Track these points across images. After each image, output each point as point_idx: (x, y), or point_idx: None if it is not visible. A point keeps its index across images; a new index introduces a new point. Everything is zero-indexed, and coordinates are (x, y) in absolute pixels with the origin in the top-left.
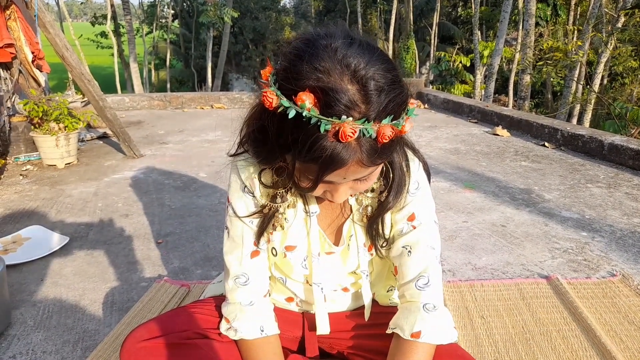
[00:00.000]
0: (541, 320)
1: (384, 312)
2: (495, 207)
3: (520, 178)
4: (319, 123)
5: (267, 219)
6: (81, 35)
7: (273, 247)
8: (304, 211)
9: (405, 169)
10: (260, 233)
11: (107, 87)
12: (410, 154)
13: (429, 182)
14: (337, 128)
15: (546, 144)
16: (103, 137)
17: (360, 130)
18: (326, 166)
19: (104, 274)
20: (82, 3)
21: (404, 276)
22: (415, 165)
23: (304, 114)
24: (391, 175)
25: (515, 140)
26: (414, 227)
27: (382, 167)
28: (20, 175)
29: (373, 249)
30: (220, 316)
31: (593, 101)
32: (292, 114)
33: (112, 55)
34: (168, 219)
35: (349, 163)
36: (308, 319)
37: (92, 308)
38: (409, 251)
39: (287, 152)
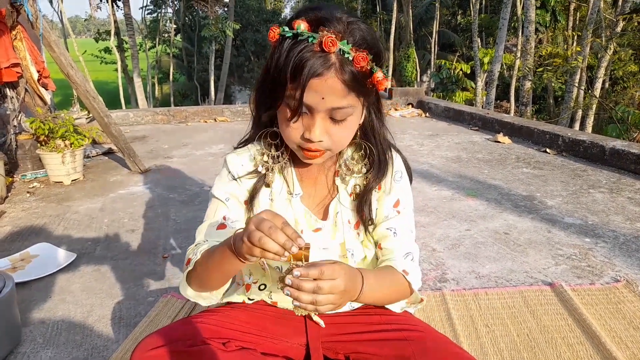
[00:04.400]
0: (546, 327)
1: (389, 314)
2: (498, 215)
3: (522, 185)
4: (308, 38)
5: (259, 180)
6: (85, 51)
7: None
8: (287, 192)
9: (386, 151)
10: (252, 196)
11: (112, 101)
12: (393, 149)
13: (410, 181)
14: (321, 39)
15: (548, 150)
16: (108, 152)
17: (339, 47)
18: (309, 71)
19: (111, 290)
20: (85, 20)
21: (392, 251)
22: (398, 158)
23: (297, 31)
24: (375, 153)
25: (517, 147)
26: (399, 212)
27: (365, 147)
28: (28, 192)
29: (360, 227)
30: (223, 324)
31: (595, 106)
32: (288, 33)
33: (116, 70)
34: (174, 234)
35: (330, 71)
36: (310, 324)
37: (100, 324)
38: (395, 233)
39: (280, 84)
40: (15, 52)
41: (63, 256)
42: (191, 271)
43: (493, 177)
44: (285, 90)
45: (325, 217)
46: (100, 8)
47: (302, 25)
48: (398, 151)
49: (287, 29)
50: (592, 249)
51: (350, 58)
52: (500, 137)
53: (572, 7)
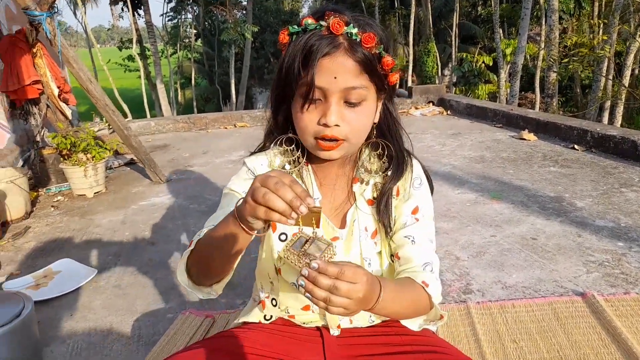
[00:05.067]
0: (577, 342)
1: (410, 334)
2: (525, 219)
3: (549, 185)
4: (316, 27)
5: None
6: (109, 60)
7: (282, 232)
8: None
9: (404, 151)
10: None
11: (136, 108)
12: (412, 156)
13: (432, 191)
14: (328, 23)
15: (575, 146)
16: (130, 163)
17: (346, 30)
18: (318, 51)
19: (131, 307)
20: (109, 29)
21: (410, 261)
22: (417, 163)
23: (305, 26)
24: (393, 150)
25: (543, 144)
26: (417, 220)
27: (382, 145)
28: (52, 206)
29: (377, 236)
30: (239, 349)
31: (624, 95)
32: (296, 29)
33: (139, 77)
34: None
35: (339, 50)
36: (327, 339)
37: (120, 343)
38: (413, 240)
39: (292, 76)
40: (36, 69)
41: (84, 272)
42: (192, 253)
43: (519, 177)
44: (299, 80)
45: (342, 225)
46: (122, 17)
47: (309, 20)
48: (417, 159)
49: (295, 26)
50: (625, 255)
51: (358, 39)
52: (526, 134)
53: None
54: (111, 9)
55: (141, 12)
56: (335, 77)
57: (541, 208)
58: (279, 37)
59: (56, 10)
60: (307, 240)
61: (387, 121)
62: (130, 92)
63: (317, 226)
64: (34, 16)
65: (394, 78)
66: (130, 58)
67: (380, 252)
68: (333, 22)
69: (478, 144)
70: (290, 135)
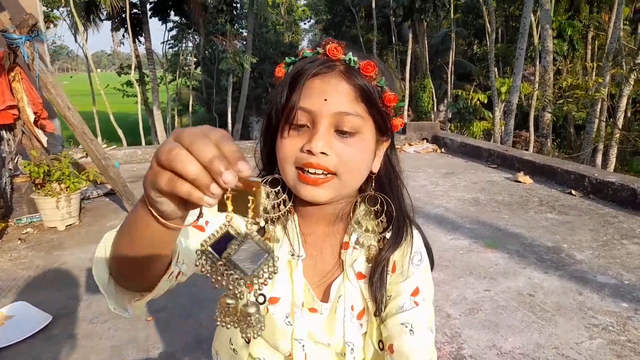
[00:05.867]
0: None
1: None
2: (521, 271)
3: (547, 233)
4: (313, 55)
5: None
6: (107, 85)
7: (261, 294)
8: (289, 252)
9: (405, 214)
10: None
11: (132, 133)
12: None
13: (432, 266)
14: (325, 48)
15: (573, 191)
16: (110, 193)
17: (345, 57)
18: (309, 72)
19: None
20: (109, 55)
21: (407, 358)
22: (418, 236)
23: (303, 54)
24: (392, 209)
25: (539, 187)
26: (416, 304)
27: (381, 201)
28: (19, 239)
29: (363, 317)
30: None
31: (617, 137)
32: (293, 60)
33: (137, 103)
34: None
35: (334, 72)
36: None
37: None
38: (411, 330)
39: (279, 103)
40: (14, 93)
41: (38, 318)
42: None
43: (514, 223)
44: (285, 106)
45: (325, 298)
46: (123, 43)
47: (306, 51)
48: (418, 227)
49: (292, 57)
50: (631, 318)
51: (357, 67)
52: (521, 176)
53: (590, 35)
54: (112, 35)
55: (142, 38)
56: (325, 100)
57: (538, 259)
58: (275, 71)
59: (36, 34)
60: (235, 238)
61: (389, 174)
62: (129, 117)
63: (256, 215)
64: (12, 39)
65: (398, 122)
66: (129, 83)
67: (365, 334)
68: (331, 47)
69: (472, 184)
70: (277, 176)
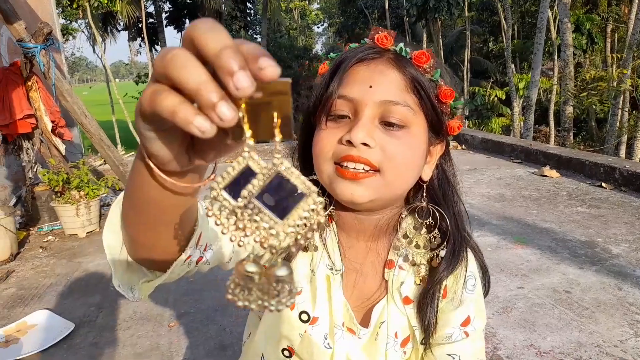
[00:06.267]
0: None
1: None
2: (555, 267)
3: (579, 228)
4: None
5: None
6: (126, 94)
7: (303, 311)
8: (327, 266)
9: (462, 233)
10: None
11: None
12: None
13: (487, 291)
14: (374, 37)
15: (603, 184)
16: None
17: (394, 47)
18: (353, 58)
19: None
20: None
21: None
22: (472, 257)
23: (350, 47)
24: (447, 226)
25: (567, 181)
26: (467, 335)
27: (433, 213)
28: (41, 247)
29: (408, 344)
30: None
31: None
32: (337, 55)
33: None
34: (184, 295)
35: (382, 58)
36: None
37: None
38: None
39: (320, 96)
40: (31, 102)
41: (61, 327)
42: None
43: (544, 218)
44: (323, 97)
45: (365, 322)
46: (140, 52)
47: (352, 45)
48: (474, 246)
49: (337, 52)
50: None
51: (409, 56)
52: (547, 170)
53: (609, 28)
54: (129, 45)
55: (158, 47)
56: (370, 87)
57: (572, 254)
58: (319, 70)
59: (51, 43)
60: (259, 179)
61: (443, 186)
62: None
63: (287, 136)
64: (27, 48)
65: (455, 125)
66: None
67: None
68: (380, 35)
69: (496, 180)
70: (315, 177)
